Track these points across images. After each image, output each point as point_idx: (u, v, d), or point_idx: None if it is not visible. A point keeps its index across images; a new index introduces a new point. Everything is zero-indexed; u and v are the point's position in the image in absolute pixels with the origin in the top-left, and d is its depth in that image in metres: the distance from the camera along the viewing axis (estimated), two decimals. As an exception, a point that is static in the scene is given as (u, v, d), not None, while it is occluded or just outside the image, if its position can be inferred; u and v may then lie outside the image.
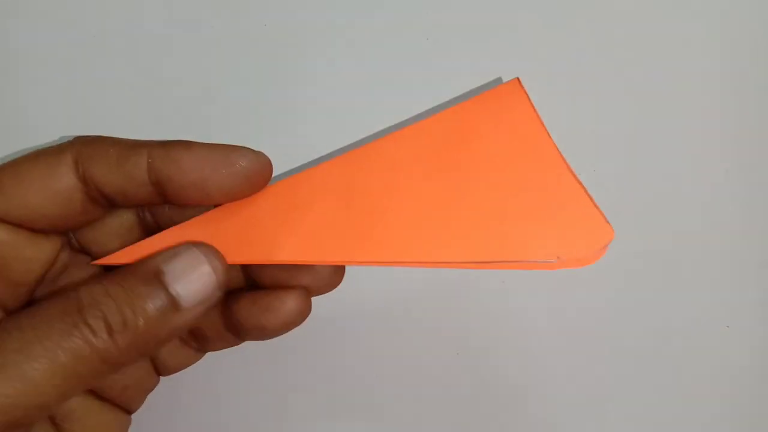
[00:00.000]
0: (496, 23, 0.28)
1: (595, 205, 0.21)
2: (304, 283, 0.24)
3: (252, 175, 0.22)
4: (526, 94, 0.21)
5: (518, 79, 0.21)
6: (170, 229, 0.22)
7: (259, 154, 0.22)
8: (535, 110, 0.22)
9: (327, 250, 0.22)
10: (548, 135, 0.22)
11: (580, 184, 0.21)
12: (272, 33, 0.29)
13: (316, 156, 0.29)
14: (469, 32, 0.29)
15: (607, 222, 0.21)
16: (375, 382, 0.29)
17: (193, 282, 0.21)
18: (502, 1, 0.28)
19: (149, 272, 0.21)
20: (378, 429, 0.29)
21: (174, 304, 0.21)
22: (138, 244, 0.22)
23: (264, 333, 0.24)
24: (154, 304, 0.20)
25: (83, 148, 0.22)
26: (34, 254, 0.22)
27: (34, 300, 0.24)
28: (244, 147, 0.22)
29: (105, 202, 0.22)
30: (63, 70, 0.29)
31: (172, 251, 0.21)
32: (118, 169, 0.21)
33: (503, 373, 0.29)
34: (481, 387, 0.29)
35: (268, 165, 0.22)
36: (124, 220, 0.24)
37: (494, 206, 0.22)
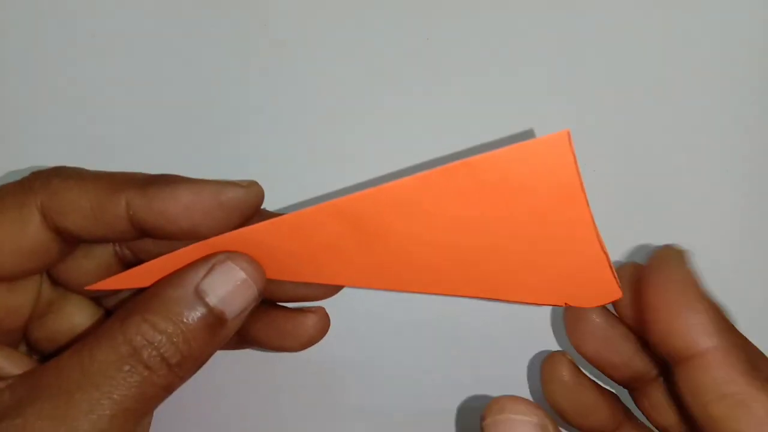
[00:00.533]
0: (496, 21, 0.28)
1: (613, 272, 0.21)
2: (312, 294, 0.24)
3: (246, 209, 0.21)
4: (573, 152, 0.19)
5: (568, 132, 0.19)
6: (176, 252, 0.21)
7: (250, 187, 0.21)
8: (577, 171, 0.19)
9: (345, 276, 0.22)
10: (585, 202, 0.20)
11: (605, 254, 0.21)
12: (273, 37, 0.29)
13: (313, 159, 0.29)
14: (468, 33, 0.29)
15: (618, 286, 0.21)
16: (374, 380, 0.29)
17: (234, 294, 0.21)
18: (504, 2, 0.28)
19: (190, 294, 0.20)
20: (377, 429, 0.29)
21: (220, 320, 0.20)
22: (138, 268, 0.22)
23: (282, 351, 0.24)
24: (202, 326, 0.20)
25: (49, 201, 0.21)
26: (18, 301, 0.22)
27: (30, 336, 0.24)
28: (233, 183, 0.21)
29: (81, 242, 0.22)
30: (57, 71, 0.29)
31: (206, 265, 0.21)
32: (95, 223, 0.21)
33: (502, 373, 0.29)
34: (481, 385, 0.29)
35: (260, 195, 0.21)
36: (99, 252, 0.24)
37: (514, 259, 0.21)
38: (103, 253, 0.23)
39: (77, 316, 0.24)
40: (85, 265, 0.23)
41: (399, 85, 0.29)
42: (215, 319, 0.20)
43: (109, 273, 0.23)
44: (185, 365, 0.20)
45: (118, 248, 0.24)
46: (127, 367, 0.19)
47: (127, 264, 0.24)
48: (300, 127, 0.29)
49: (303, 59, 0.29)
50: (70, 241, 0.22)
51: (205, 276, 0.21)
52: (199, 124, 0.29)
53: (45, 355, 0.24)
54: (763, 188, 0.29)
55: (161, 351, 0.19)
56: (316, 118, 0.29)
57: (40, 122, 0.29)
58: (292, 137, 0.29)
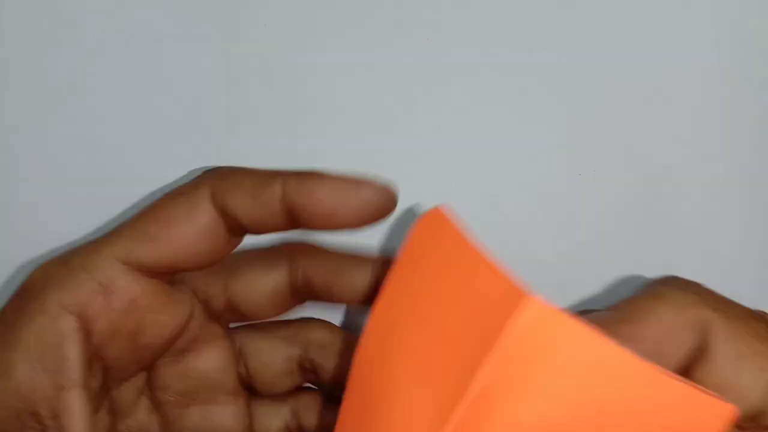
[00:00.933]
0: (494, 19, 0.28)
1: None
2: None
3: (379, 207, 0.22)
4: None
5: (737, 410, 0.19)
6: None
7: (385, 188, 0.23)
8: None
9: None
10: None
11: None
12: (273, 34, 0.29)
13: (308, 161, 0.29)
14: (467, 31, 0.29)
15: None
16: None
17: None
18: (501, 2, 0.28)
19: None
20: None
21: None
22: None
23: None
24: None
25: (219, 182, 0.22)
26: (167, 319, 0.23)
27: (157, 369, 0.24)
28: (371, 181, 0.22)
29: (241, 232, 0.23)
30: (60, 69, 0.29)
31: None
32: (254, 201, 0.22)
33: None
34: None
35: (394, 198, 0.23)
36: (277, 279, 0.25)
37: None
38: (280, 279, 0.25)
39: (213, 362, 0.25)
40: (257, 292, 0.25)
41: (397, 86, 0.28)
42: None
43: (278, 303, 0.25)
44: None
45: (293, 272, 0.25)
46: None
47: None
48: (296, 129, 0.29)
49: (299, 58, 0.28)
50: (233, 228, 0.23)
51: None
52: (199, 126, 0.29)
53: (164, 391, 0.25)
54: (763, 187, 0.29)
55: None
56: (312, 120, 0.29)
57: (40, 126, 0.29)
58: (287, 139, 0.29)
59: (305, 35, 0.28)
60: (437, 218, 0.22)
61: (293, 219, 0.23)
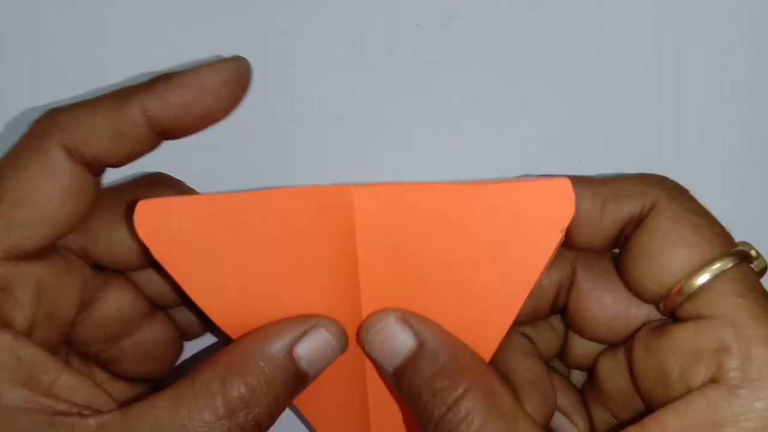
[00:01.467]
0: (490, 15, 0.28)
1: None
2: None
3: (242, 80, 0.22)
4: (573, 202, 0.21)
5: (569, 180, 0.20)
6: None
7: (238, 59, 0.22)
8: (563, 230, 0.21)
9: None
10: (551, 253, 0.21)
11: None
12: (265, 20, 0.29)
13: (295, 152, 0.29)
14: (460, 20, 0.28)
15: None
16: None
17: (321, 359, 0.22)
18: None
19: (285, 357, 0.22)
20: None
21: (304, 381, 0.22)
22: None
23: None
24: (291, 388, 0.22)
25: (68, 133, 0.21)
26: (73, 289, 0.23)
27: (75, 330, 0.24)
28: (223, 59, 0.21)
29: (107, 168, 0.22)
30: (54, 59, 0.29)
31: (301, 328, 0.22)
32: (116, 138, 0.21)
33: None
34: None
35: (247, 63, 0.22)
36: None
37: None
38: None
39: (119, 300, 0.25)
40: (128, 243, 0.24)
41: (387, 74, 0.29)
42: (300, 380, 0.22)
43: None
44: (270, 424, 0.22)
45: None
46: (225, 429, 0.20)
47: None
48: (281, 120, 0.29)
49: (285, 44, 0.29)
50: (100, 170, 0.22)
51: (300, 339, 0.22)
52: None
53: (89, 345, 0.25)
54: (761, 186, 0.28)
55: (258, 419, 0.21)
56: (297, 109, 0.29)
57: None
58: (273, 129, 0.29)
59: (296, 19, 0.29)
60: (152, 207, 0.21)
61: (164, 135, 0.21)
